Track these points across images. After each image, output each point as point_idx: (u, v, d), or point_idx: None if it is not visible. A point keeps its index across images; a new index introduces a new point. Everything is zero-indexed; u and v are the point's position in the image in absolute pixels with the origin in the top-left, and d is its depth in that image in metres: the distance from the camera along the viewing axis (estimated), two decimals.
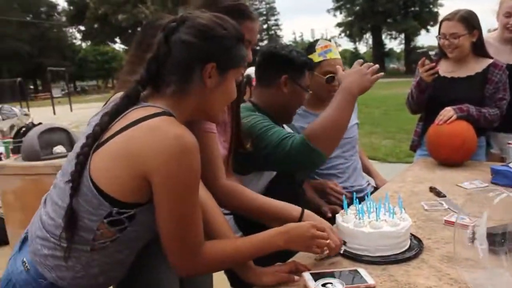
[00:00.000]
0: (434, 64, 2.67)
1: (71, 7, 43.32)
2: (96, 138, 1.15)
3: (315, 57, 2.40)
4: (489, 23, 3.20)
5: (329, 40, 2.51)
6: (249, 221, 1.59)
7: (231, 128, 1.71)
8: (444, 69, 2.78)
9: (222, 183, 1.52)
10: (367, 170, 2.78)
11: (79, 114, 17.06)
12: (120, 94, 1.27)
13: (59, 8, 52.74)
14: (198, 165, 1.12)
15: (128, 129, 1.12)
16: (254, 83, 2.77)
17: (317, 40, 2.49)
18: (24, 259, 1.24)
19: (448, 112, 2.58)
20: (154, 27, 1.96)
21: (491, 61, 2.74)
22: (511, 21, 2.83)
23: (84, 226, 1.15)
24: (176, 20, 1.24)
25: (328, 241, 1.37)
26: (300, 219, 1.51)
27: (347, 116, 1.73)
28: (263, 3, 64.75)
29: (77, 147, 1.20)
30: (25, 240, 1.29)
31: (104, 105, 1.43)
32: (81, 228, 1.15)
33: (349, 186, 2.48)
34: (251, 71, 3.05)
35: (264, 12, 64.79)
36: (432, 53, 2.87)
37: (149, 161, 1.08)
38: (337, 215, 1.61)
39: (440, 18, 2.97)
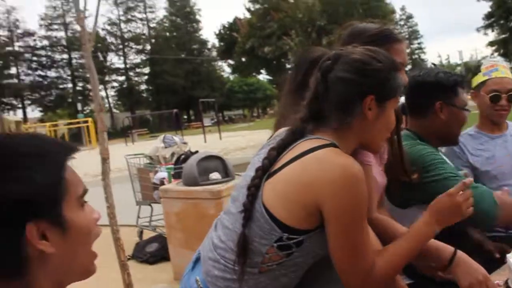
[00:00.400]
0: None
1: (222, 43, 46.76)
2: (265, 171, 1.25)
3: (480, 77, 2.35)
4: None
5: (501, 53, 2.42)
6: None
7: (393, 156, 1.69)
8: None
9: (374, 217, 1.51)
10: None
11: (227, 142, 18.14)
12: (284, 129, 1.37)
13: (209, 44, 57.42)
14: (365, 193, 1.17)
15: (298, 159, 1.20)
16: None
17: (482, 62, 2.44)
18: (197, 278, 1.35)
19: None
20: (306, 61, 2.07)
21: None
22: None
23: (254, 250, 1.23)
24: (330, 58, 1.29)
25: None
26: (450, 261, 1.41)
27: None
28: (405, 26, 62.75)
29: (246, 177, 1.31)
30: (197, 260, 1.41)
31: (269, 139, 1.53)
32: (251, 251, 1.23)
33: None
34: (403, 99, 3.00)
35: (407, 36, 62.62)
36: None
37: (319, 191, 1.15)
38: (508, 255, 1.48)
39: None
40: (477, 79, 2.36)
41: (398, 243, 1.28)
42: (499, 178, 2.29)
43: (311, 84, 1.32)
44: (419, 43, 64.38)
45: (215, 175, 3.92)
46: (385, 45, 1.54)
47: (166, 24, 57.35)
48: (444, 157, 1.86)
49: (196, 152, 5.02)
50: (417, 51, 63.78)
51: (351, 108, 1.26)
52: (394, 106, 1.34)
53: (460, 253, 1.43)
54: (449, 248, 1.43)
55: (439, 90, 1.92)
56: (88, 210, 0.84)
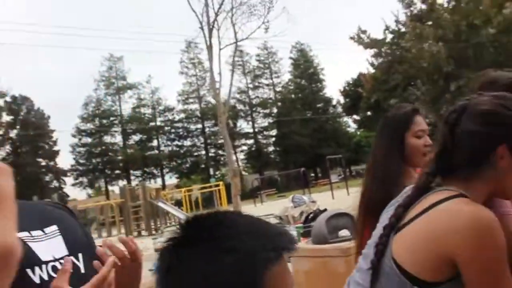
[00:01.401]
0: None
1: (347, 99, 46.91)
2: (392, 228, 1.24)
3: None
4: None
5: None
6: None
7: None
8: None
9: None
10: None
11: (355, 198, 17.71)
12: (411, 186, 1.35)
13: (334, 101, 57.97)
14: (501, 240, 1.10)
15: (426, 212, 1.17)
16: None
17: None
18: None
19: None
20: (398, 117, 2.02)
21: None
22: None
23: None
24: (456, 110, 1.26)
25: None
26: None
27: None
28: None
29: (376, 234, 1.30)
30: None
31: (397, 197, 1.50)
32: None
33: None
34: None
35: None
36: None
37: (450, 241, 1.11)
38: None
39: None
40: None
41: None
42: None
43: (439, 137, 1.30)
44: None
45: (344, 232, 3.86)
46: None
47: (291, 87, 59.23)
48: None
49: (325, 210, 5.01)
50: None
51: (481, 160, 1.21)
52: None
53: None
54: None
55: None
56: None
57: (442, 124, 1.28)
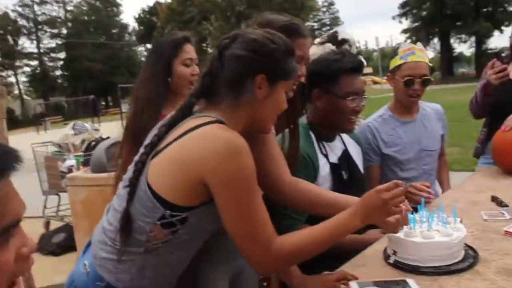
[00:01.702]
0: (505, 66, 2.53)
1: (141, 27, 45.28)
2: (153, 147, 1.24)
3: (397, 61, 2.39)
4: None
5: (414, 42, 2.47)
6: None
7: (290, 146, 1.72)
8: None
9: (289, 178, 1.52)
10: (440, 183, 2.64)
11: None
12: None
13: (130, 28, 55.50)
14: (251, 165, 1.16)
15: (182, 137, 1.20)
16: None
17: (400, 45, 2.48)
18: (86, 262, 1.32)
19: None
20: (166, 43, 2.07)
21: None
22: None
23: (138, 228, 1.22)
24: (229, 37, 1.32)
25: (402, 197, 1.26)
26: None
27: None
28: (327, 13, 64.43)
29: (137, 156, 1.29)
30: (88, 245, 1.38)
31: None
32: (135, 230, 1.22)
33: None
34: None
35: (328, 23, 64.35)
36: (502, 55, 2.73)
37: (203, 165, 1.14)
38: None
39: None
40: (394, 62, 2.40)
41: (316, 228, 1.26)
42: (404, 163, 2.42)
43: (208, 60, 1.32)
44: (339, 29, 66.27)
45: None
46: (290, 38, 1.54)
47: (85, 8, 54.57)
48: (310, 158, 1.86)
49: (108, 138, 4.87)
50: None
51: (242, 86, 1.27)
52: (285, 88, 1.36)
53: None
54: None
55: (316, 78, 1.92)
56: (16, 244, 0.72)
57: (214, 48, 1.32)
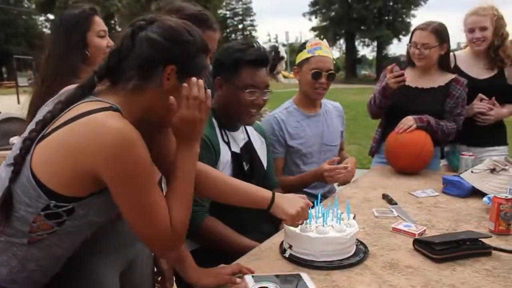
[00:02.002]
0: (403, 72, 2.70)
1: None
2: (45, 125, 1.14)
3: (304, 54, 2.44)
4: (456, 38, 3.23)
5: (322, 39, 2.53)
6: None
7: None
8: (409, 78, 2.78)
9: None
10: None
11: None
12: (72, 86, 1.25)
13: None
14: (145, 155, 1.12)
15: (72, 122, 1.10)
16: None
17: (308, 40, 2.54)
18: None
19: (408, 121, 2.62)
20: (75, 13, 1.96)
21: (453, 76, 2.80)
22: (476, 35, 2.87)
23: (19, 218, 1.12)
24: (146, 19, 1.23)
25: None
26: (272, 201, 1.46)
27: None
28: (240, 3, 64.69)
29: (25, 132, 1.17)
30: None
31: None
32: (16, 219, 1.12)
33: (321, 191, 2.47)
34: None
35: (240, 12, 64.75)
36: (401, 60, 2.92)
37: (94, 157, 1.07)
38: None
39: (412, 29, 3.01)
40: (301, 56, 2.46)
41: (175, 185, 1.25)
42: (307, 157, 2.49)
43: (118, 38, 1.23)
44: (251, 21, 66.93)
45: (16, 139, 3.52)
46: (199, 28, 1.51)
47: None
48: (210, 142, 1.86)
49: None
50: (249, 28, 66.29)
51: (151, 72, 1.20)
52: None
53: (276, 193, 1.49)
54: (267, 191, 1.48)
55: (219, 67, 1.92)
56: None
57: (128, 26, 1.24)
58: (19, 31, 47.11)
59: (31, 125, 1.17)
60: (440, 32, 2.71)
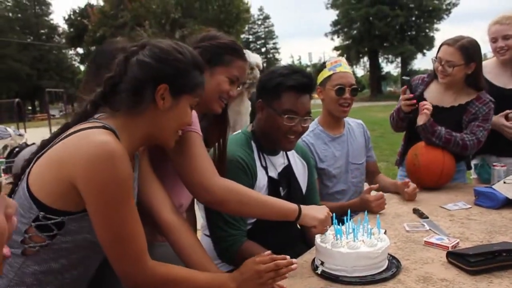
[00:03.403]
0: (411, 95, 2.65)
1: (71, 29, 43.68)
2: (42, 148, 1.22)
3: (326, 72, 2.46)
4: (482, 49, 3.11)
5: (345, 57, 2.58)
6: None
7: (214, 156, 1.72)
8: (432, 94, 2.74)
9: (219, 178, 1.51)
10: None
11: None
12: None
13: (60, 30, 53.19)
14: (124, 173, 1.13)
15: (65, 139, 1.17)
16: None
17: (327, 59, 2.57)
18: None
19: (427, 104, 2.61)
20: (106, 53, 2.03)
21: (476, 94, 2.67)
22: (498, 44, 2.84)
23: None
24: (138, 44, 1.30)
25: (277, 272, 1.33)
26: (299, 212, 1.60)
27: None
28: (262, 26, 65.57)
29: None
30: None
31: None
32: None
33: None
34: None
35: (263, 36, 65.56)
36: (424, 75, 2.88)
37: (74, 167, 1.11)
38: (316, 236, 1.61)
39: (436, 43, 2.96)
40: (323, 75, 2.47)
41: (193, 276, 1.29)
42: (337, 177, 2.50)
43: (114, 65, 1.28)
44: (274, 43, 67.66)
45: None
46: (231, 56, 1.64)
47: (9, 4, 51.75)
48: (246, 165, 1.87)
49: (33, 144, 4.63)
50: (272, 51, 66.98)
51: (143, 93, 1.24)
52: (190, 102, 1.34)
53: (302, 205, 1.64)
54: (293, 204, 1.61)
55: (261, 90, 1.94)
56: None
57: (121, 54, 1.29)
58: (50, 66, 48.77)
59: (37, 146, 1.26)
60: (468, 50, 2.54)
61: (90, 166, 1.09)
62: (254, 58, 3.08)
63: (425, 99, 2.72)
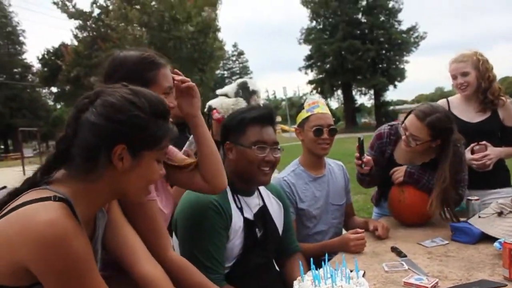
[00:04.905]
0: (361, 161, 2.52)
1: (45, 69, 43.42)
2: None
3: (304, 114, 2.47)
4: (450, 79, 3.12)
5: (318, 97, 2.59)
6: None
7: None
8: (401, 155, 2.69)
9: (171, 256, 1.49)
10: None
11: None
12: None
13: (34, 69, 52.78)
14: (78, 250, 1.06)
15: (10, 213, 1.06)
16: (214, 115, 2.78)
17: (306, 99, 2.56)
18: None
19: (399, 172, 2.59)
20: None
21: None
22: (458, 81, 2.93)
23: None
24: (90, 96, 1.17)
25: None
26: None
27: None
28: (237, 62, 66.45)
29: None
30: None
31: None
32: None
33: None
34: (211, 102, 3.10)
35: (238, 71, 66.33)
36: (391, 129, 2.77)
37: (22, 251, 1.01)
38: (294, 282, 1.57)
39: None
40: (301, 116, 2.49)
41: None
42: (317, 218, 2.47)
43: (66, 121, 1.18)
44: (249, 78, 68.33)
45: None
46: (152, 71, 1.50)
47: None
48: (221, 207, 1.85)
49: (4, 187, 4.48)
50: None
51: (97, 158, 1.12)
52: (158, 156, 1.23)
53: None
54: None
55: (227, 131, 1.96)
56: None
57: (73, 107, 1.18)
58: (24, 104, 48.14)
59: None
60: (435, 128, 2.39)
61: (40, 251, 1.01)
62: (259, 87, 3.10)
63: (394, 160, 2.70)
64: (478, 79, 2.89)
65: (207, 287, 1.53)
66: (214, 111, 2.80)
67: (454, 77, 2.95)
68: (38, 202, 1.06)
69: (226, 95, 3.12)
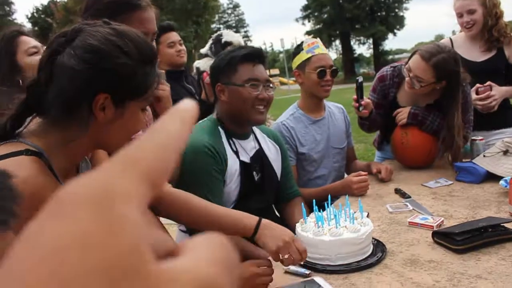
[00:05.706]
0: (358, 104, 2.47)
1: (36, 28, 42.46)
2: None
3: (304, 55, 2.36)
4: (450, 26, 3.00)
5: (315, 38, 2.47)
6: None
7: None
8: (404, 98, 2.60)
9: (166, 190, 1.40)
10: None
11: None
12: None
13: (25, 29, 51.83)
14: None
15: None
16: (205, 79, 2.70)
17: (303, 41, 2.45)
18: None
19: (403, 113, 2.53)
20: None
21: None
22: (464, 19, 2.79)
23: None
24: (68, 33, 1.01)
25: (271, 276, 1.34)
26: (256, 230, 1.32)
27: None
28: (232, 15, 65.08)
29: None
30: None
31: None
32: None
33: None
34: (198, 63, 2.99)
35: (234, 25, 65.04)
36: (394, 70, 2.68)
37: None
38: (296, 224, 1.54)
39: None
40: (301, 58, 2.36)
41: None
42: (318, 162, 2.41)
43: (38, 63, 1.03)
44: (245, 32, 67.22)
45: None
46: (126, 14, 1.37)
47: None
48: (216, 151, 1.78)
49: None
50: (244, 39, 66.51)
51: (77, 108, 0.99)
52: (141, 106, 1.09)
53: (264, 220, 1.35)
54: (253, 218, 1.35)
55: (216, 73, 1.87)
56: None
57: (47, 46, 1.02)
58: None
59: None
60: (441, 69, 2.29)
61: None
62: (236, 37, 3.00)
63: (397, 103, 2.61)
64: (485, 17, 2.74)
65: (210, 207, 1.42)
66: (205, 74, 2.71)
67: (460, 15, 2.80)
68: (9, 157, 0.94)
69: (206, 55, 3.04)
